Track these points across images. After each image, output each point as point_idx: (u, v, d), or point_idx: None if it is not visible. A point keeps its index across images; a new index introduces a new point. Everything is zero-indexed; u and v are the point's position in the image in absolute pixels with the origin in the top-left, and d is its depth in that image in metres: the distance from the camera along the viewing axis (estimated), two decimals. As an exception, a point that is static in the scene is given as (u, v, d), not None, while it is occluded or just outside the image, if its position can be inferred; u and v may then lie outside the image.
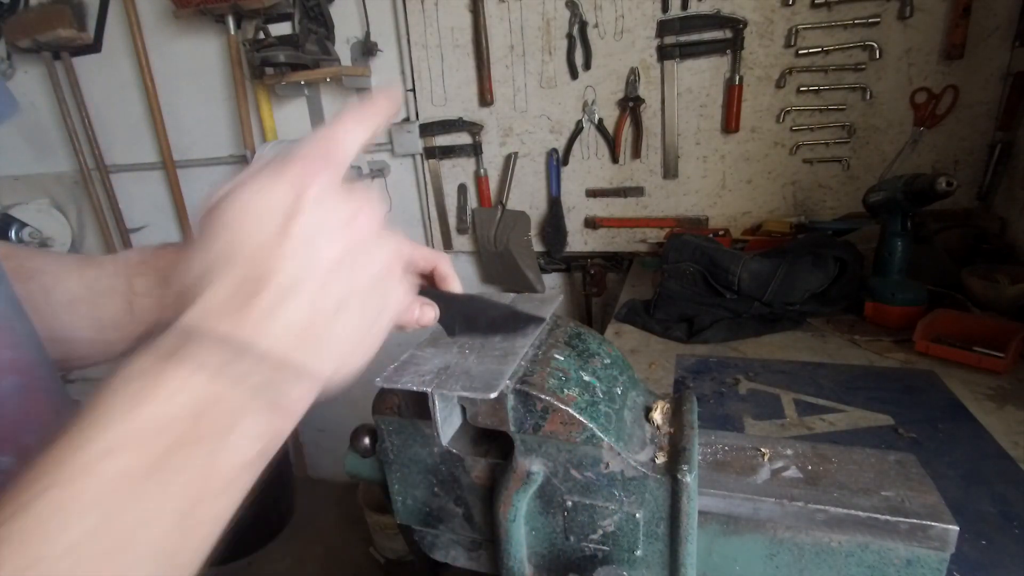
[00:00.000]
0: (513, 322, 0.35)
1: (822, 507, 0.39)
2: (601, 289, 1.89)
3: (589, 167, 1.77)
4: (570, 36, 1.65)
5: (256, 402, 0.26)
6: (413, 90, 1.84)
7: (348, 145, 0.32)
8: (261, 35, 1.80)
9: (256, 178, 0.29)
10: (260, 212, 0.28)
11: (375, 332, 0.32)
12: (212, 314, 0.26)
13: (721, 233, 1.60)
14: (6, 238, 2.17)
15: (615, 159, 1.73)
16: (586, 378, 0.43)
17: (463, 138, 1.85)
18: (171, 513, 0.24)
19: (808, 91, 1.50)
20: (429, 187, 1.95)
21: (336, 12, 1.82)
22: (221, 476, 0.26)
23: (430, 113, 1.85)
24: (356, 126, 0.32)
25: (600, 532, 0.42)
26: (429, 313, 0.39)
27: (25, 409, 0.35)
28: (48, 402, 0.37)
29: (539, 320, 0.35)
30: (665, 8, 1.56)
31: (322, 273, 0.28)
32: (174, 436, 0.24)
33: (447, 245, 2.01)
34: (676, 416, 0.46)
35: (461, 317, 0.35)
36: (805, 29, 1.46)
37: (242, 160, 2.04)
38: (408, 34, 1.78)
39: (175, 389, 0.25)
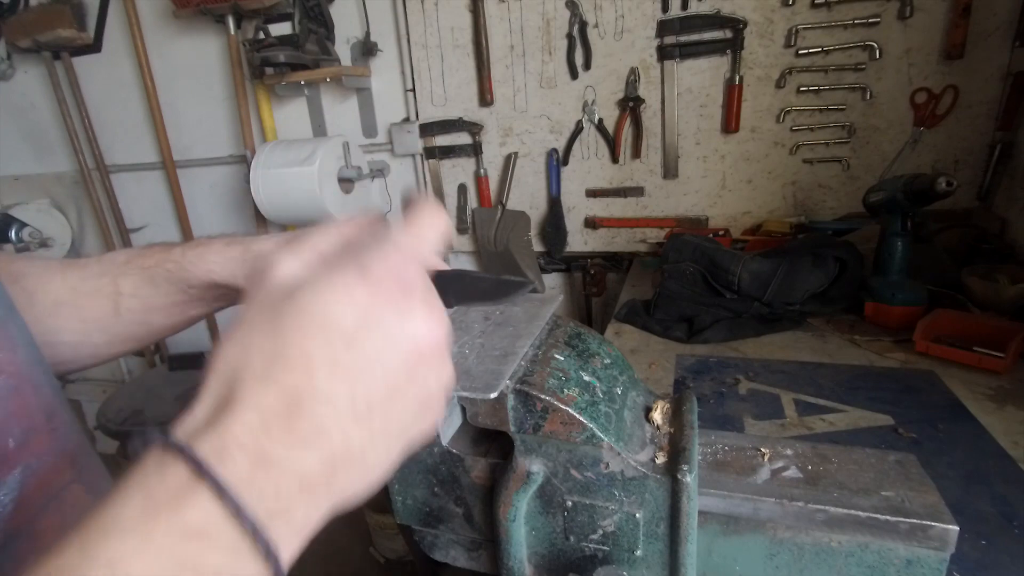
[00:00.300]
0: (504, 288, 0.37)
1: (822, 507, 0.39)
2: (601, 289, 1.89)
3: (589, 167, 1.77)
4: (570, 36, 1.65)
5: (258, 546, 0.23)
6: (413, 90, 1.84)
7: (431, 248, 0.29)
8: (261, 35, 1.80)
9: (333, 268, 0.26)
10: (329, 316, 0.25)
11: (390, 462, 0.28)
12: (250, 432, 0.23)
13: (721, 233, 1.60)
14: (6, 238, 2.17)
15: (615, 159, 1.73)
16: (586, 378, 0.43)
17: (463, 138, 1.85)
18: None
19: (808, 91, 1.50)
20: (429, 187, 1.95)
21: (336, 12, 1.82)
22: None
23: (430, 113, 1.85)
24: (434, 231, 0.30)
25: (600, 532, 0.42)
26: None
27: (10, 411, 0.34)
28: (39, 404, 0.36)
29: (527, 284, 0.36)
30: (665, 8, 1.56)
31: (372, 403, 0.25)
32: (178, 561, 0.21)
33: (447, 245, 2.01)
34: (676, 416, 0.46)
35: (453, 290, 0.35)
36: (805, 29, 1.46)
37: (242, 160, 2.04)
38: (408, 34, 1.78)
39: (188, 515, 0.22)
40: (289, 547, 0.24)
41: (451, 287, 0.37)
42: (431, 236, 0.31)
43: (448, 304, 0.39)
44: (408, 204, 0.32)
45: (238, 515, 0.22)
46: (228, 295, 0.51)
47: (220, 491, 0.22)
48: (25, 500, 0.34)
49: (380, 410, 0.26)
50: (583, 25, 1.62)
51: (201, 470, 0.22)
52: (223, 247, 0.48)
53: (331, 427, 0.24)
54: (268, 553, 0.23)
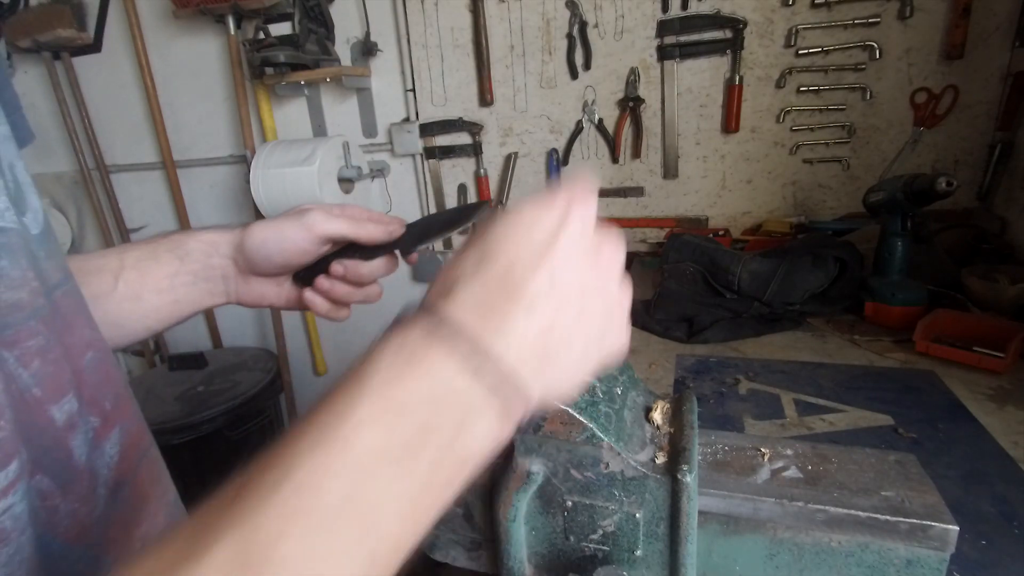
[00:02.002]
0: (463, 215, 0.40)
1: (822, 507, 0.39)
2: (601, 289, 1.89)
3: (589, 167, 1.77)
4: (570, 36, 1.65)
5: (489, 402, 0.26)
6: (413, 90, 1.84)
7: (595, 196, 0.33)
8: (261, 35, 1.80)
9: (533, 202, 0.30)
10: (530, 225, 0.29)
11: (589, 366, 0.32)
12: (467, 308, 0.27)
13: (721, 233, 1.60)
14: (6, 238, 2.17)
15: (615, 159, 1.73)
16: (586, 378, 0.43)
17: (463, 138, 1.85)
18: (402, 498, 0.24)
19: (808, 91, 1.50)
20: (429, 187, 1.95)
21: (336, 12, 1.82)
22: (448, 469, 0.26)
23: (430, 113, 1.85)
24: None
25: (600, 532, 0.42)
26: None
27: (103, 378, 0.39)
28: (116, 373, 0.41)
29: (483, 204, 0.41)
30: (665, 8, 1.56)
31: (567, 295, 0.29)
32: (420, 421, 0.25)
33: (447, 245, 2.01)
34: (676, 416, 0.46)
35: (416, 235, 0.39)
36: (805, 29, 1.46)
37: (242, 160, 2.04)
38: (408, 34, 1.78)
39: (427, 371, 0.25)
40: (518, 413, 0.28)
41: (418, 229, 0.43)
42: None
43: (405, 253, 0.50)
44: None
45: (478, 367, 0.26)
46: (219, 286, 0.55)
47: (456, 340, 0.26)
48: (125, 454, 0.39)
49: (576, 305, 0.29)
50: (583, 25, 1.62)
51: (438, 326, 0.26)
52: (223, 229, 0.55)
53: (540, 305, 0.28)
54: (506, 402, 0.27)
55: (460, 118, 1.82)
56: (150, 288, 0.52)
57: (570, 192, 0.31)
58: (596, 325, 0.31)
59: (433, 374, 0.25)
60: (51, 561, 0.32)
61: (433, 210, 1.98)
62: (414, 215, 2.01)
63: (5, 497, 0.29)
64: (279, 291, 0.57)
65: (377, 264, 0.54)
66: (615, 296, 0.32)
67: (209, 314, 2.37)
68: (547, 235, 0.29)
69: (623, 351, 0.34)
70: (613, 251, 0.32)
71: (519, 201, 0.30)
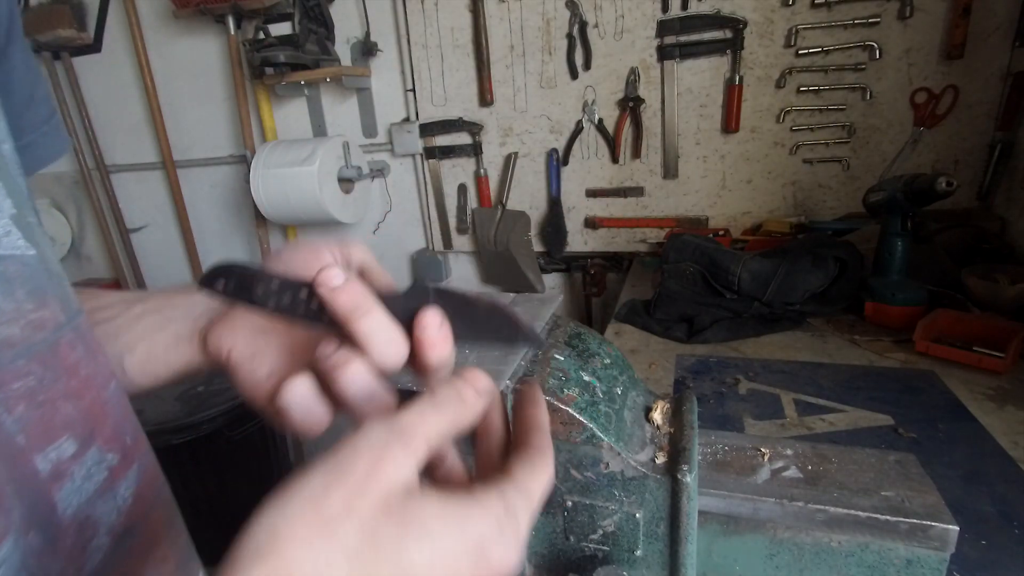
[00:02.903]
0: (511, 335, 0.31)
1: (822, 507, 0.39)
2: (601, 289, 1.89)
3: (589, 167, 1.77)
4: (570, 36, 1.65)
5: None
6: (413, 90, 1.84)
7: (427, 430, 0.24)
8: (261, 35, 1.80)
9: (327, 464, 0.22)
10: (314, 505, 0.21)
11: None
12: None
13: (721, 233, 1.60)
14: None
15: (615, 159, 1.73)
16: (586, 378, 0.43)
17: (463, 138, 1.85)
18: None
19: (808, 91, 1.50)
20: (429, 187, 1.95)
21: (336, 12, 1.82)
22: None
23: (430, 113, 1.85)
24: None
25: (600, 532, 0.42)
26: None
27: (124, 413, 0.36)
28: (130, 406, 0.38)
29: (536, 342, 0.32)
30: (665, 8, 1.56)
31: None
32: None
33: (447, 245, 2.01)
34: (676, 416, 0.46)
35: (462, 319, 0.30)
36: (805, 29, 1.46)
37: (242, 160, 2.04)
38: (408, 34, 1.78)
39: None
40: None
41: (457, 314, 0.29)
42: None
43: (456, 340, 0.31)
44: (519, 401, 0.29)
45: None
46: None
47: None
48: (140, 494, 0.36)
49: None
50: (583, 25, 1.62)
51: None
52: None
53: None
54: None
55: (460, 118, 1.82)
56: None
57: (381, 438, 0.22)
58: None
59: None
60: None
61: (432, 211, 1.98)
62: (415, 214, 2.02)
63: None
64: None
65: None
66: None
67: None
68: (338, 520, 0.20)
69: None
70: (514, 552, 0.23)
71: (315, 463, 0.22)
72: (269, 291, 0.29)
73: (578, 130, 1.73)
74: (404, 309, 0.29)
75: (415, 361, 0.30)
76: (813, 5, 1.44)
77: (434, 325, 0.29)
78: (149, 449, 0.39)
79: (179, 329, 0.38)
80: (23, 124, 0.37)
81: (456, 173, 1.91)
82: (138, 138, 2.20)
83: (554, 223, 1.84)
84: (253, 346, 0.34)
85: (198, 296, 0.38)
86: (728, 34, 1.53)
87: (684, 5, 1.54)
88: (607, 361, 0.46)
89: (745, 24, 1.50)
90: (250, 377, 0.34)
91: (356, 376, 0.29)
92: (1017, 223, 1.31)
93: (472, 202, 1.93)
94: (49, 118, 0.40)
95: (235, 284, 0.29)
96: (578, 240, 1.86)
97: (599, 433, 0.39)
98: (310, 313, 0.28)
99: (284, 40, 1.73)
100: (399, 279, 2.37)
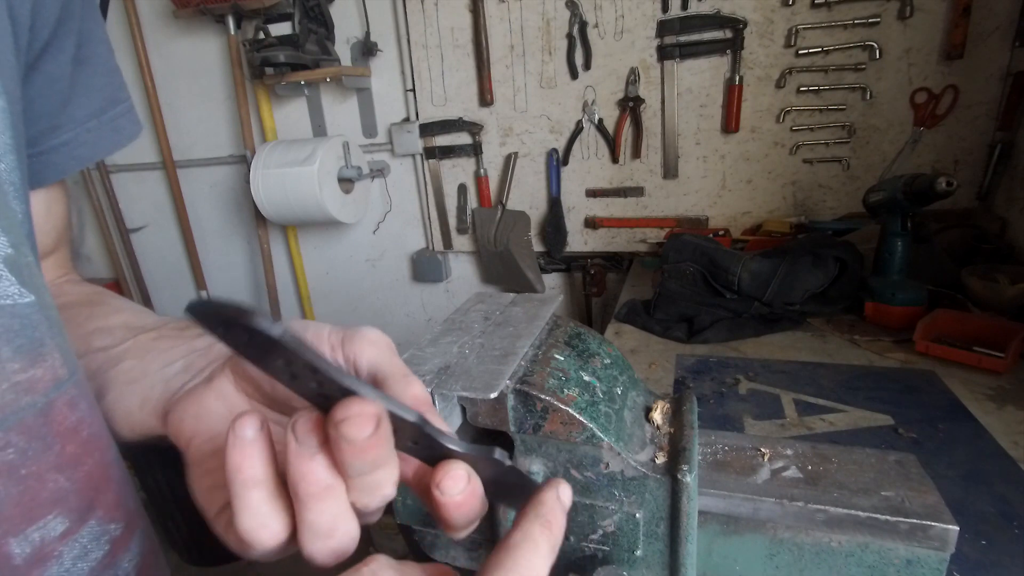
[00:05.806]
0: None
1: (822, 507, 0.38)
2: (601, 289, 1.89)
3: (589, 167, 1.77)
4: (570, 36, 1.65)
5: None
6: (413, 90, 1.84)
7: None
8: (261, 35, 1.80)
9: None
10: None
11: None
12: None
13: (721, 233, 1.60)
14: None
15: (615, 159, 1.73)
16: (586, 378, 0.43)
17: (463, 138, 1.85)
18: None
19: (808, 91, 1.50)
20: (429, 187, 1.95)
21: (336, 12, 1.82)
22: None
23: (430, 113, 1.85)
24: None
25: (600, 532, 0.42)
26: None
27: (126, 474, 0.34)
28: (127, 471, 0.35)
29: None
30: (665, 8, 1.56)
31: None
32: None
33: (447, 245, 2.01)
34: (676, 416, 0.46)
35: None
36: (805, 29, 1.46)
37: (242, 160, 2.04)
38: (408, 34, 1.78)
39: None
40: None
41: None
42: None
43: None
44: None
45: None
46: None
47: None
48: (143, 565, 0.34)
49: None
50: (583, 25, 1.62)
51: None
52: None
53: None
54: None
55: (460, 118, 1.82)
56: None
57: None
58: None
59: None
60: None
61: (432, 211, 1.98)
62: (415, 214, 2.01)
63: None
64: None
65: None
66: None
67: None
68: None
69: None
70: None
71: None
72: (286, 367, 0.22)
73: (578, 130, 1.73)
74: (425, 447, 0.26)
75: (434, 509, 0.27)
76: (813, 5, 1.44)
77: (455, 489, 0.26)
78: (144, 512, 0.36)
79: (146, 390, 0.33)
80: (103, 102, 0.37)
81: (456, 173, 1.91)
82: (138, 138, 2.20)
83: (554, 223, 1.84)
84: (214, 443, 0.30)
85: (199, 341, 0.34)
86: (728, 34, 1.53)
87: (684, 5, 1.54)
88: (607, 361, 0.46)
89: (745, 24, 1.50)
90: (200, 484, 0.29)
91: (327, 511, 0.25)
92: (1017, 223, 1.31)
93: (472, 202, 1.93)
94: (126, 98, 0.39)
95: (245, 339, 0.21)
96: (578, 240, 1.86)
97: (599, 433, 0.39)
98: (318, 399, 0.24)
99: (284, 40, 1.73)
100: (399, 278, 2.35)
